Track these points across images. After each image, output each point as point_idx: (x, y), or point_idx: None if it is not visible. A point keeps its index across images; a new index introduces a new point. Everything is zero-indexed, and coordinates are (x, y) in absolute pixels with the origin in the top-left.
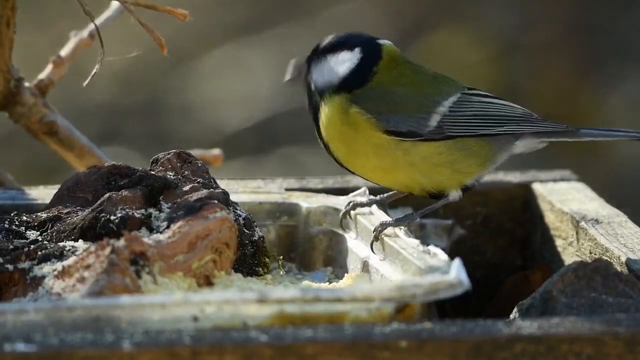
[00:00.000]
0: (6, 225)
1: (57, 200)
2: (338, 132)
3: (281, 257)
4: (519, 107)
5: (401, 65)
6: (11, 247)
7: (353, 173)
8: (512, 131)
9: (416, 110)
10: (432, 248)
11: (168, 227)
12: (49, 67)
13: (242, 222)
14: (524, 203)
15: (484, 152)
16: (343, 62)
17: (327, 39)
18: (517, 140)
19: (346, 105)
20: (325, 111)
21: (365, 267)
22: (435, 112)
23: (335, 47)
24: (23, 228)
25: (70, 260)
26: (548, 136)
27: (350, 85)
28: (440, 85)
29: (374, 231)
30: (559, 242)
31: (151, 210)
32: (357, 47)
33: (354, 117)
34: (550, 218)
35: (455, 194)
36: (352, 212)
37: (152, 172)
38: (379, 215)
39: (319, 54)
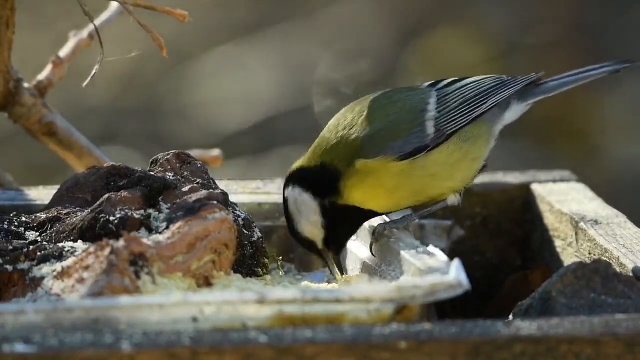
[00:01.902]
0: (5, 226)
1: (56, 201)
2: (365, 192)
3: (280, 257)
4: (486, 77)
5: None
6: (10, 247)
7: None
8: (497, 101)
9: (409, 127)
10: (431, 249)
11: (167, 227)
12: (49, 68)
13: (241, 222)
14: (523, 204)
15: (483, 131)
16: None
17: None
18: (505, 110)
19: (344, 182)
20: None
21: (365, 268)
22: (426, 119)
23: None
24: (22, 229)
25: (70, 261)
26: (530, 97)
27: (324, 193)
28: (416, 96)
29: (373, 232)
30: (558, 243)
31: (150, 211)
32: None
33: (371, 167)
34: (549, 219)
35: (453, 199)
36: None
37: (152, 173)
38: (378, 217)
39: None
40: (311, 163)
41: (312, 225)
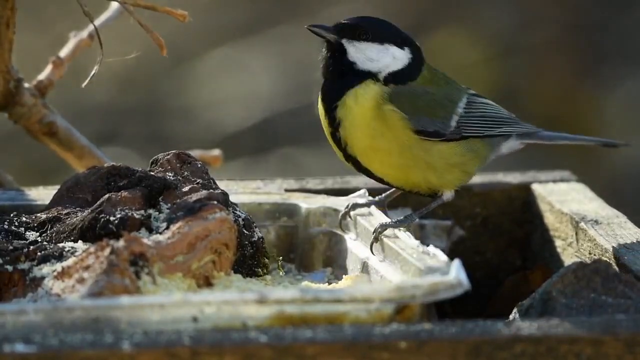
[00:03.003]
0: (6, 226)
1: (56, 201)
2: (366, 125)
3: (281, 257)
4: (502, 108)
5: (431, 69)
6: (11, 247)
7: (358, 168)
8: (507, 132)
9: (442, 112)
10: (431, 249)
11: (167, 227)
12: (49, 68)
13: (241, 222)
14: (523, 204)
15: (483, 153)
16: (393, 56)
17: (366, 21)
18: (505, 141)
19: (382, 101)
20: (356, 99)
21: (365, 268)
22: (455, 113)
23: (382, 37)
24: (22, 229)
25: (70, 261)
26: (527, 138)
27: (395, 80)
28: (455, 88)
29: (373, 232)
30: (558, 243)
31: (151, 211)
32: (406, 47)
33: (389, 114)
34: (549, 219)
35: (449, 194)
36: (351, 213)
37: (152, 173)
38: (379, 217)
39: (360, 33)
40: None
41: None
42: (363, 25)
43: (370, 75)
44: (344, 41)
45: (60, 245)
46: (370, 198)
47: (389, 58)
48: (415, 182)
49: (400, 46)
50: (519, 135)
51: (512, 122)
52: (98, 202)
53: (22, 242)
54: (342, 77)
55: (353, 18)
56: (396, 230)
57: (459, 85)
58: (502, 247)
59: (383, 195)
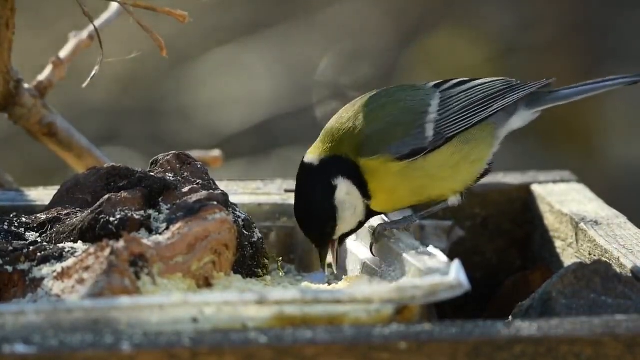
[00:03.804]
0: (5, 227)
1: (56, 201)
2: (378, 188)
3: (280, 258)
4: (495, 79)
5: (375, 99)
6: (10, 248)
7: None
8: (503, 105)
9: (408, 130)
10: (431, 249)
11: (167, 228)
12: (49, 69)
13: (241, 223)
14: (523, 204)
15: (486, 135)
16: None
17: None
18: (511, 115)
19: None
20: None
21: (365, 268)
22: (426, 122)
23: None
24: (22, 229)
25: (70, 262)
26: (539, 104)
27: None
28: (418, 96)
29: (373, 233)
30: (558, 244)
31: (150, 211)
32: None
33: (366, 166)
34: (549, 219)
35: (454, 199)
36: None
37: (152, 174)
38: (378, 217)
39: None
40: (337, 152)
41: (354, 218)
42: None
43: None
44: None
45: (60, 245)
46: (388, 220)
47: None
48: (439, 194)
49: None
50: (528, 104)
51: (509, 91)
52: (98, 203)
53: (22, 242)
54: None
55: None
56: (396, 231)
57: (424, 88)
58: (502, 247)
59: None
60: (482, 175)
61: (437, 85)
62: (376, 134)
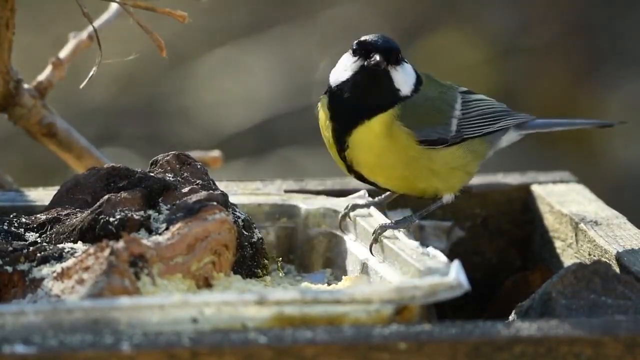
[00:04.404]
0: (5, 227)
1: (56, 201)
2: (374, 145)
3: (280, 258)
4: (492, 99)
5: (425, 75)
6: (10, 248)
7: (361, 180)
8: (504, 126)
9: (442, 117)
10: (431, 250)
11: (167, 228)
12: (48, 69)
13: (241, 223)
14: (523, 204)
15: (484, 151)
16: (411, 74)
17: (387, 42)
18: (503, 135)
19: (390, 119)
20: (370, 125)
21: (365, 269)
22: (453, 116)
23: (402, 56)
24: (22, 230)
25: (70, 262)
26: (523, 129)
27: (406, 98)
28: (448, 90)
29: (373, 233)
30: (558, 244)
31: (150, 211)
32: (405, 62)
33: (396, 132)
34: (549, 219)
35: (448, 197)
36: (351, 214)
37: (151, 174)
38: (378, 218)
39: (397, 58)
40: None
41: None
42: (397, 48)
43: (404, 99)
44: (390, 68)
45: (60, 246)
46: (370, 199)
47: (411, 77)
48: (421, 189)
49: (406, 60)
50: (516, 127)
51: (507, 114)
52: (98, 203)
53: (22, 243)
54: (373, 101)
55: (384, 39)
56: (396, 231)
57: (450, 84)
58: (502, 248)
59: (382, 196)
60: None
61: (457, 87)
62: (417, 109)
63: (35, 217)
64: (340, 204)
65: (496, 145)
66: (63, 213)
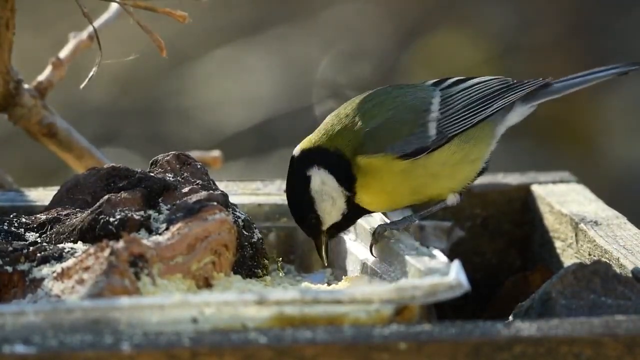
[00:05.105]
0: (5, 227)
1: (56, 201)
2: (377, 182)
3: (280, 258)
4: (491, 78)
5: (375, 95)
6: (10, 248)
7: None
8: (501, 106)
9: (413, 126)
10: (431, 250)
11: (167, 228)
12: (49, 69)
13: (241, 223)
14: (523, 205)
15: (486, 133)
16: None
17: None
18: (508, 112)
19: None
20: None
21: (365, 268)
22: (429, 120)
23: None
24: (22, 230)
25: (70, 262)
26: (535, 99)
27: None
28: (417, 93)
29: (373, 233)
30: (558, 244)
31: (150, 211)
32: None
33: (367, 164)
34: (549, 220)
35: (453, 199)
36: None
37: (151, 174)
38: (378, 218)
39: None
40: (324, 145)
41: (334, 210)
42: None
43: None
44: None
45: (60, 246)
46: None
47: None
48: (437, 193)
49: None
50: (524, 100)
51: (508, 90)
52: (98, 203)
53: (22, 243)
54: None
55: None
56: (396, 232)
57: (425, 87)
58: (502, 248)
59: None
60: (479, 174)
61: (435, 84)
62: (377, 132)
63: (35, 217)
64: None
65: (502, 123)
66: (63, 213)
